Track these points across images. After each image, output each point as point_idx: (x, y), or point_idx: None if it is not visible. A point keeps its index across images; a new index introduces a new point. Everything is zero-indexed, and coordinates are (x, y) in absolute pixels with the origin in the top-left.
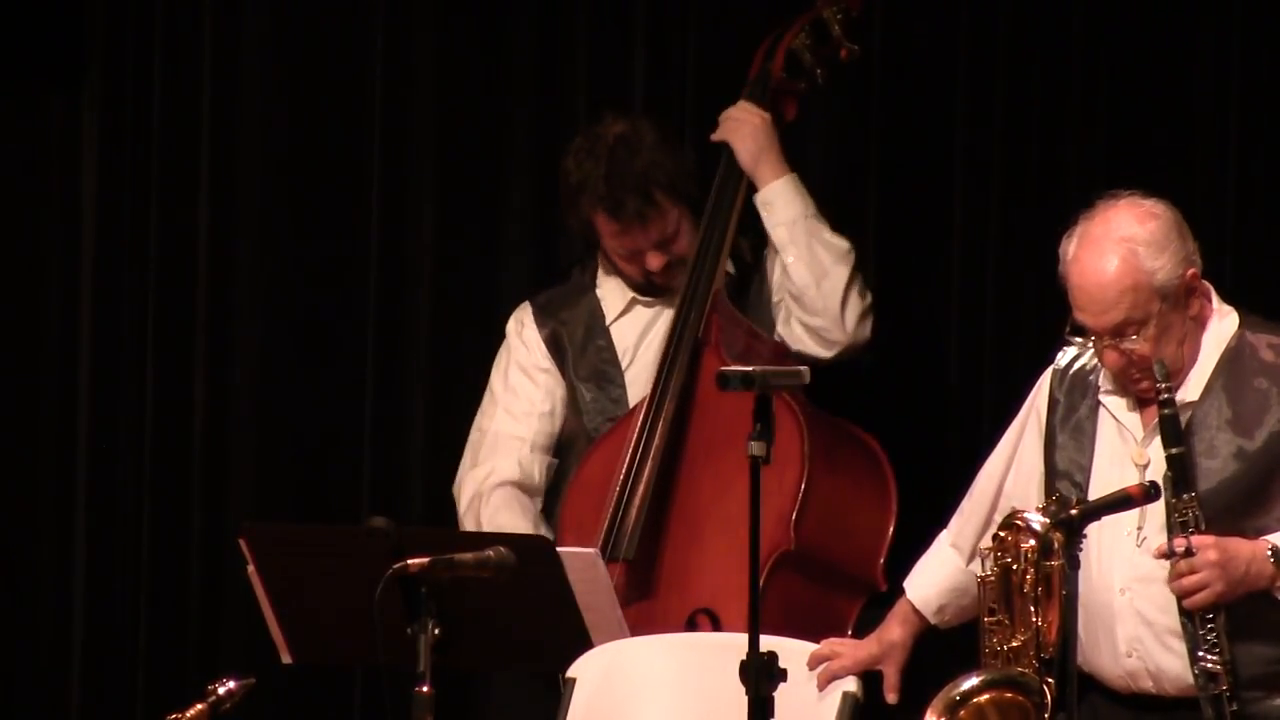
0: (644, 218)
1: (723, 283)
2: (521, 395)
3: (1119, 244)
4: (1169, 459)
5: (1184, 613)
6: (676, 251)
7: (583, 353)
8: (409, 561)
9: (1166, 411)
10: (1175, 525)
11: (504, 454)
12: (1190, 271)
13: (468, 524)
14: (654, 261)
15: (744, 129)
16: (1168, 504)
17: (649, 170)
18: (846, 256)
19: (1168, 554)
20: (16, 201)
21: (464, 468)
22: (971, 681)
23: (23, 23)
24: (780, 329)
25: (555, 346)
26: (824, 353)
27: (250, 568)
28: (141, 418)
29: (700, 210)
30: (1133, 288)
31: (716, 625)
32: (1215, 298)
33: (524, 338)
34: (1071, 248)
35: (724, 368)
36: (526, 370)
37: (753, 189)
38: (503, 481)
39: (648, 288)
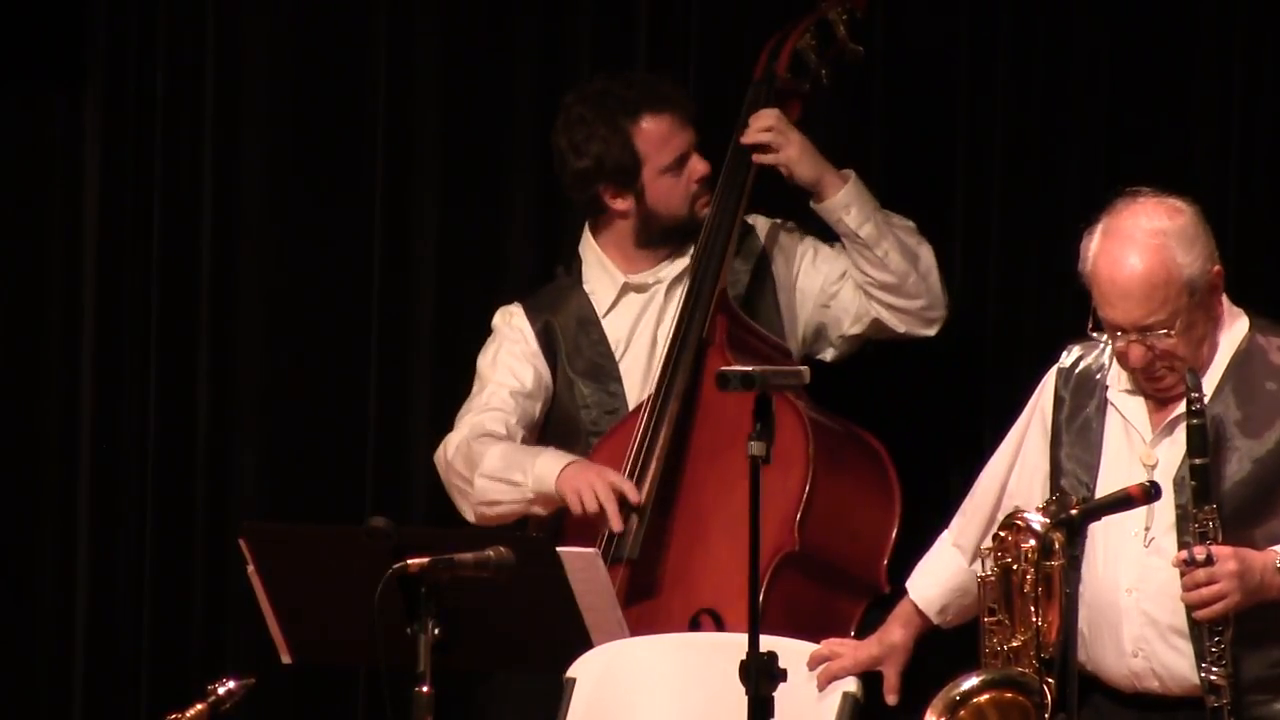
0: (688, 111)
1: (727, 283)
2: (510, 375)
3: (1151, 237)
4: (1193, 469)
5: (1193, 622)
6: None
7: (577, 347)
8: (409, 561)
9: (1195, 421)
10: (1195, 535)
11: (489, 419)
12: (1216, 269)
13: (457, 464)
14: (701, 166)
15: (791, 148)
16: (1188, 514)
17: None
18: (919, 233)
19: (1187, 561)
20: (19, 201)
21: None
22: (971, 681)
23: (24, 22)
24: (875, 316)
25: (547, 339)
26: (929, 331)
27: (250, 568)
28: (144, 417)
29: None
30: (1165, 282)
31: (720, 626)
32: (1225, 299)
33: (513, 324)
34: (1097, 243)
35: (724, 368)
36: (515, 355)
37: (800, 192)
38: (486, 433)
39: (690, 223)
